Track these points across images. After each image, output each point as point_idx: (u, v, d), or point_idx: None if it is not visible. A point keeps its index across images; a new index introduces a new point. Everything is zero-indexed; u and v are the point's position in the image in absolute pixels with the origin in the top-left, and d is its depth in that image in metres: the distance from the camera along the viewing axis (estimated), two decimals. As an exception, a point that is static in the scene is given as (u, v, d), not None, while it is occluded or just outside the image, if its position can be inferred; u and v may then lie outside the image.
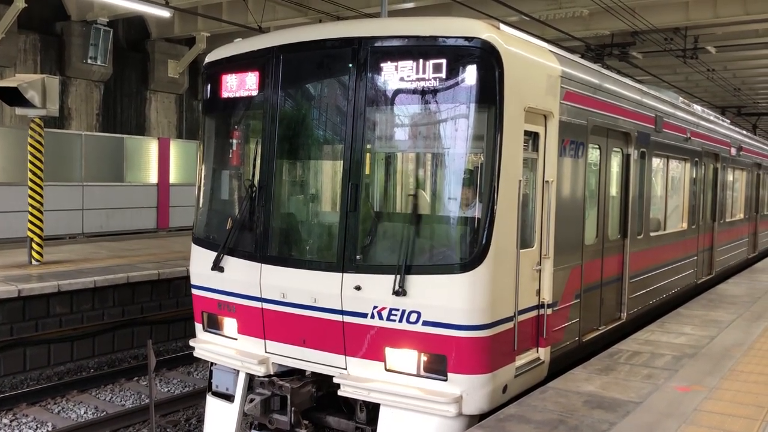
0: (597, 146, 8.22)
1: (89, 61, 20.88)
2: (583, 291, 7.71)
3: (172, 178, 22.04)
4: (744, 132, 18.04)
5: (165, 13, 18.81)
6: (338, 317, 6.27)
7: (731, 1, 18.01)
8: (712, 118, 14.51)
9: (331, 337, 6.34)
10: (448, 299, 5.85)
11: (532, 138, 6.68)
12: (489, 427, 5.42)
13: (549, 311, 6.84)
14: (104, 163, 20.41)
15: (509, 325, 6.21)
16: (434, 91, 5.98)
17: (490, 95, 5.90)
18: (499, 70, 5.88)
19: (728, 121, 17.25)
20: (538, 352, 6.82)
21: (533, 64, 6.62)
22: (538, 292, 6.80)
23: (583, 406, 5.91)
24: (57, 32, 20.88)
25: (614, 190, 9.05)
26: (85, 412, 9.90)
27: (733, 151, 15.17)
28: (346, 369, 6.32)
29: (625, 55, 20.25)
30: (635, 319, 9.47)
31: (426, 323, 5.90)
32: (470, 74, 5.88)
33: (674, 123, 10.99)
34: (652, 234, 10.10)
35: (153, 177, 21.77)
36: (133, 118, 23.34)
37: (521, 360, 6.50)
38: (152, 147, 21.93)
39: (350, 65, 6.31)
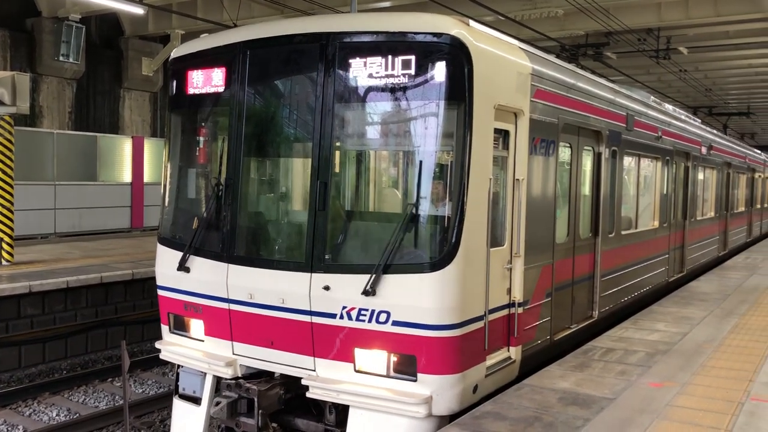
0: (568, 145, 8.18)
1: (61, 58, 20.50)
2: (554, 289, 7.67)
3: (146, 177, 21.73)
4: (715, 132, 18.14)
5: (139, 10, 18.56)
6: (307, 318, 6.16)
7: (703, 3, 18.28)
8: (683, 117, 14.57)
9: (299, 339, 6.23)
10: (417, 299, 5.76)
11: (502, 136, 6.61)
12: (465, 425, 5.42)
13: (520, 310, 6.78)
14: (77, 162, 20.09)
15: (479, 324, 6.14)
16: (403, 88, 5.88)
17: (459, 92, 5.81)
18: (468, 66, 5.79)
19: (699, 120, 17.36)
20: (509, 351, 6.76)
21: (503, 61, 6.55)
22: (509, 291, 6.74)
23: (558, 402, 5.94)
24: (27, 29, 20.46)
25: (586, 188, 9.03)
26: (57, 415, 9.73)
27: (704, 150, 15.23)
28: (314, 370, 6.20)
29: (599, 56, 20.45)
30: (607, 317, 9.47)
31: (395, 323, 5.82)
32: (439, 71, 5.78)
33: (645, 122, 11.00)
34: (623, 232, 10.11)
35: (127, 176, 21.47)
36: (107, 116, 23.00)
37: (492, 359, 6.43)
38: (126, 146, 21.62)
39: (318, 61, 6.18)
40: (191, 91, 6.99)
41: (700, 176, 15.30)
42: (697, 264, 15.03)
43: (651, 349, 7.80)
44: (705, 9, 18.24)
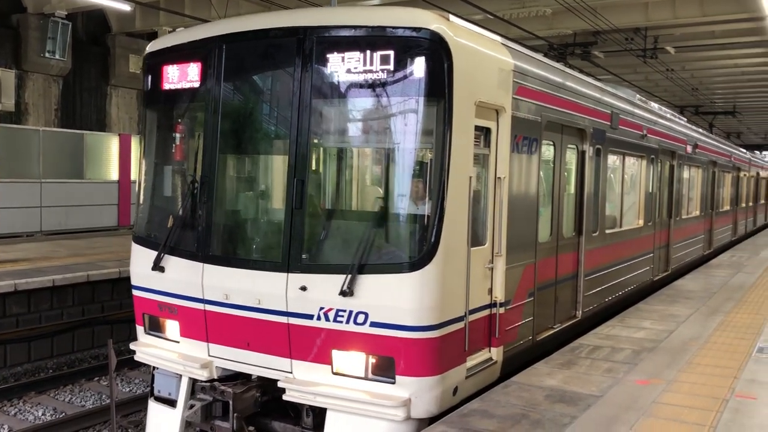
0: (551, 143, 8.05)
1: (47, 55, 20.25)
2: (536, 289, 7.54)
3: (134, 174, 21.56)
4: (700, 130, 18.05)
5: (125, 7, 18.39)
6: (283, 319, 6.01)
7: (689, 3, 18.38)
8: (668, 115, 14.45)
9: (275, 340, 6.08)
10: (395, 299, 5.62)
11: (483, 133, 6.47)
12: (452, 423, 5.40)
13: (501, 310, 6.66)
14: (63, 159, 19.89)
15: (460, 325, 6.00)
16: (382, 84, 5.73)
17: (438, 88, 5.66)
18: (447, 62, 5.64)
19: (685, 119, 17.27)
20: (490, 352, 6.64)
21: (484, 56, 6.40)
22: (490, 291, 6.61)
23: (545, 400, 5.94)
24: (13, 25, 20.19)
25: (569, 187, 8.90)
26: (43, 414, 9.63)
27: (689, 148, 15.15)
28: (291, 372, 6.05)
29: (587, 55, 20.53)
30: (591, 316, 9.36)
31: (373, 324, 5.67)
32: (418, 66, 5.64)
33: (630, 120, 10.88)
34: (607, 231, 10.00)
35: (114, 174, 21.28)
36: (93, 113, 22.77)
37: (473, 360, 6.30)
38: (113, 143, 21.42)
39: (295, 56, 6.01)
40: (167, 86, 6.81)
41: (686, 175, 15.20)
42: (682, 263, 14.95)
43: (637, 347, 7.82)
44: (691, 9, 18.34)
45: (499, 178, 6.63)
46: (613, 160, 10.39)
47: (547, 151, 8.03)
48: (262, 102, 6.51)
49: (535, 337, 7.63)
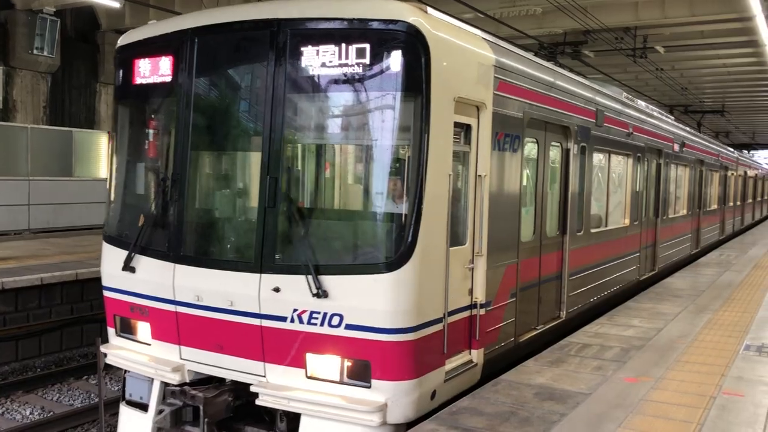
0: (534, 140, 7.86)
1: (35, 51, 20.03)
2: (519, 289, 7.35)
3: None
4: (688, 129, 17.90)
5: (115, 4, 18.22)
6: (256, 321, 5.79)
7: (678, 3, 18.48)
8: (655, 114, 14.24)
9: (248, 343, 5.86)
10: (371, 301, 5.41)
11: (464, 130, 6.27)
12: (442, 420, 5.37)
13: (482, 311, 6.47)
14: (52, 157, 19.67)
15: (438, 327, 5.80)
16: (357, 78, 5.51)
17: (415, 83, 5.45)
18: (425, 56, 5.43)
19: (673, 117, 17.11)
20: (470, 354, 6.45)
21: (463, 51, 6.18)
22: (471, 292, 6.42)
23: (534, 397, 5.93)
24: (1, 21, 19.99)
25: (553, 185, 8.69)
26: (30, 413, 9.51)
27: (677, 147, 14.99)
28: (265, 376, 5.84)
29: (578, 54, 20.61)
30: (575, 317, 9.18)
31: (349, 327, 5.46)
32: (394, 60, 5.42)
33: (616, 118, 10.68)
34: (592, 230, 9.79)
35: (103, 172, 21.10)
36: (83, 111, 22.58)
37: (452, 363, 6.10)
38: (102, 141, 21.22)
39: (268, 49, 5.78)
40: (138, 80, 6.57)
41: (673, 174, 15.02)
42: (669, 262, 14.79)
43: (626, 345, 7.82)
44: (681, 9, 18.46)
45: (480, 176, 6.43)
46: (598, 158, 10.21)
47: (530, 148, 7.86)
48: (234, 97, 6.30)
49: (518, 338, 7.45)
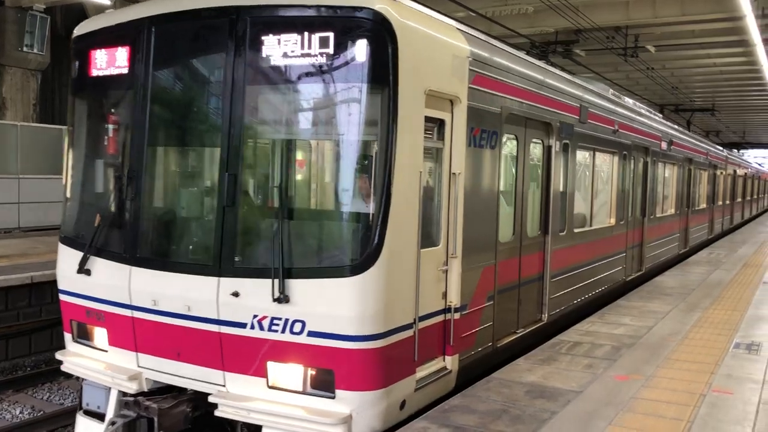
0: (513, 136, 7.50)
1: (25, 49, 19.78)
2: (497, 292, 7.01)
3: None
4: (676, 126, 17.56)
5: (105, 1, 18.14)
6: (215, 327, 5.43)
7: (670, 2, 18.55)
8: (642, 111, 13.86)
9: (207, 350, 5.50)
10: (334, 306, 5.06)
11: (437, 125, 5.93)
12: (434, 418, 5.32)
13: (457, 316, 6.13)
14: (42, 155, 19.57)
15: (408, 333, 5.45)
16: (321, 69, 5.16)
17: (381, 74, 5.09)
18: (392, 45, 5.07)
19: (661, 115, 16.70)
20: (444, 360, 6.10)
21: (435, 41, 5.81)
22: (445, 295, 6.08)
23: (526, 396, 5.90)
24: (-10, 18, 20.04)
25: (534, 184, 8.34)
26: (20, 413, 9.30)
27: (664, 145, 14.68)
28: (224, 386, 5.49)
29: (569, 53, 20.67)
30: (558, 319, 8.83)
31: (311, 334, 5.11)
32: (359, 50, 5.06)
33: (601, 114, 10.32)
34: (576, 230, 9.45)
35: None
36: (72, 108, 22.56)
37: (423, 371, 5.76)
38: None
39: (228, 39, 5.41)
40: (94, 72, 6.19)
41: (660, 172, 14.69)
42: (656, 262, 14.48)
43: (617, 343, 7.78)
44: (671, 8, 18.53)
45: (454, 173, 6.08)
46: (582, 156, 9.87)
47: (509, 145, 7.52)
48: (193, 90, 5.92)
49: (496, 343, 7.09)
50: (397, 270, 5.29)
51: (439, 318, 6.03)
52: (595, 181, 10.63)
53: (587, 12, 17.87)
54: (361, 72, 5.11)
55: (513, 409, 5.58)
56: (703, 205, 20.86)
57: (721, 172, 24.15)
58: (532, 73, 7.90)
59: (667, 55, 24.98)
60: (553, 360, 7.08)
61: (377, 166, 5.16)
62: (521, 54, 8.08)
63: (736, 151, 43.29)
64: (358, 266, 5.08)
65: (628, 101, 13.07)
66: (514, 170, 7.70)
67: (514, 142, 7.63)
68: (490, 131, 6.73)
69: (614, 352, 7.45)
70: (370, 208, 5.17)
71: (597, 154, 10.55)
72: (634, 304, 10.28)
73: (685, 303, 10.41)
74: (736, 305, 10.33)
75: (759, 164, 51.74)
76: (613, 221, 11.41)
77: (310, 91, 5.39)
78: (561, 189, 8.78)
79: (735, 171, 28.11)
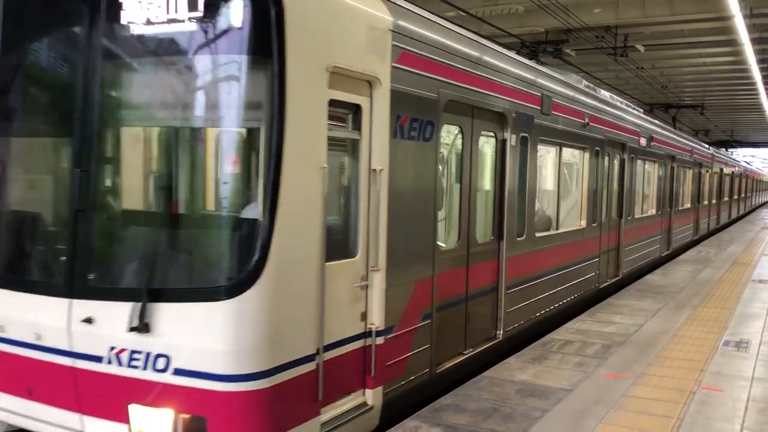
0: (457, 128, 6.46)
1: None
2: (436, 309, 5.94)
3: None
4: (656, 122, 16.51)
5: None
6: (68, 361, 4.37)
7: (659, 2, 18.55)
8: (618, 104, 12.66)
9: (61, 388, 4.44)
10: (204, 338, 4.01)
11: (352, 112, 4.87)
12: (425, 417, 5.26)
13: (380, 340, 5.10)
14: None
15: (307, 367, 4.37)
16: (191, 39, 4.16)
17: (263, 44, 4.05)
18: (276, 7, 4.04)
19: (642, 111, 15.63)
20: (364, 395, 5.06)
21: (341, 7, 4.70)
22: (364, 317, 5.03)
23: (516, 394, 5.86)
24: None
25: (485, 182, 7.28)
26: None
27: (643, 141, 13.65)
28: None
29: (559, 53, 20.73)
30: (516, 335, 7.74)
31: (178, 372, 4.05)
32: (235, 13, 4.07)
33: (568, 105, 9.19)
34: (538, 235, 8.35)
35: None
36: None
37: (333, 411, 4.71)
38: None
39: (80, 3, 4.40)
40: None
41: (639, 170, 13.59)
42: (635, 266, 13.34)
43: (608, 341, 7.73)
44: (661, 8, 18.53)
45: (375, 170, 5.02)
46: (545, 151, 8.78)
47: (451, 137, 6.52)
48: (41, 67, 4.87)
49: (435, 368, 6.04)
50: (289, 290, 4.21)
51: (357, 344, 4.98)
52: (562, 180, 9.54)
53: (577, 11, 17.91)
54: (238, 41, 4.10)
55: (504, 408, 5.57)
56: (688, 205, 19.94)
57: (707, 171, 23.26)
58: (480, 55, 6.73)
59: (657, 55, 24.98)
60: (543, 358, 7.08)
61: (261, 161, 4.09)
62: (467, 33, 6.86)
63: (724, 150, 43.50)
64: (235, 287, 4.00)
65: (605, 94, 11.97)
66: (458, 167, 6.61)
67: (458, 134, 6.54)
68: (424, 121, 5.65)
69: (605, 350, 7.46)
70: (252, 212, 4.11)
71: (564, 149, 9.45)
72: (625, 302, 10.30)
73: (674, 301, 10.44)
74: (725, 303, 10.35)
75: (747, 163, 52.10)
76: (584, 223, 10.30)
77: (179, 65, 4.33)
78: (519, 188, 7.67)
79: (722, 169, 27.19)
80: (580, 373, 6.53)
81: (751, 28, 18.56)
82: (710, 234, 24.19)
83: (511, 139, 7.40)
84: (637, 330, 8.38)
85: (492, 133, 7.20)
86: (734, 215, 33.69)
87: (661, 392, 6.01)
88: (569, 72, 11.49)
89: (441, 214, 6.20)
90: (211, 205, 4.50)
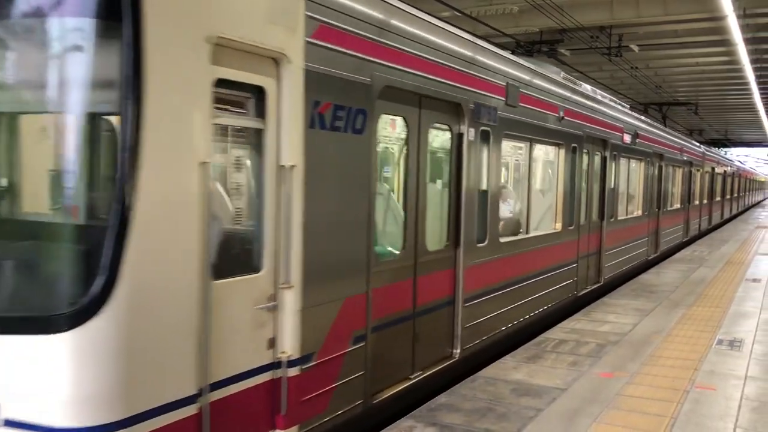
0: (400, 118, 5.60)
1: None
2: (371, 330, 5.08)
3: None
4: (643, 118, 15.60)
5: None
6: None
7: (653, 2, 18.54)
8: (599, 97, 11.62)
9: None
10: (37, 380, 3.14)
11: (254, 96, 4.00)
12: (420, 417, 5.23)
13: (294, 371, 4.25)
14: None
15: (186, 411, 3.51)
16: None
17: (110, 3, 3.16)
18: None
19: (628, 106, 14.76)
20: None
21: None
22: (273, 344, 4.17)
23: (511, 393, 5.82)
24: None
25: (437, 182, 6.46)
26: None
27: (627, 138, 12.70)
28: None
29: (554, 52, 20.77)
30: (477, 353, 6.88)
31: (8, 424, 3.20)
32: None
33: (539, 97, 8.28)
34: (503, 240, 7.46)
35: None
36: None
37: None
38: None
39: None
40: None
41: (623, 169, 12.66)
42: (619, 271, 12.43)
43: (602, 340, 7.71)
44: (655, 8, 18.50)
45: (284, 166, 4.13)
46: (510, 147, 7.90)
47: (391, 130, 5.73)
48: None
49: (370, 398, 5.17)
50: (154, 316, 3.33)
51: (263, 377, 4.13)
52: (533, 180, 8.62)
53: (572, 11, 17.94)
54: (78, 0, 3.18)
55: (498, 407, 5.56)
56: (677, 205, 19.00)
57: (698, 170, 22.39)
58: (425, 34, 5.75)
59: (651, 55, 24.97)
60: (538, 358, 7.08)
61: (113, 154, 3.24)
62: (412, 9, 5.84)
63: (716, 148, 43.57)
64: (76, 314, 3.12)
65: (586, 87, 11.00)
66: (402, 164, 5.75)
67: (402, 127, 5.67)
68: (353, 109, 4.76)
69: (599, 349, 7.46)
70: (98, 218, 3.23)
71: (535, 146, 8.54)
72: (619, 301, 10.32)
73: (668, 300, 10.45)
74: (719, 302, 10.37)
75: (741, 162, 52.26)
76: (559, 226, 9.38)
77: (5, 35, 3.42)
78: (479, 189, 6.79)
79: (714, 168, 26.46)
80: (574, 372, 6.53)
81: (744, 28, 18.56)
82: (702, 235, 23.43)
83: (469, 133, 6.49)
84: (631, 329, 8.39)
85: (446, 126, 6.31)
86: (726, 215, 33.03)
87: (655, 391, 6.01)
88: (547, 64, 10.56)
89: (380, 220, 5.35)
90: (47, 210, 3.54)
